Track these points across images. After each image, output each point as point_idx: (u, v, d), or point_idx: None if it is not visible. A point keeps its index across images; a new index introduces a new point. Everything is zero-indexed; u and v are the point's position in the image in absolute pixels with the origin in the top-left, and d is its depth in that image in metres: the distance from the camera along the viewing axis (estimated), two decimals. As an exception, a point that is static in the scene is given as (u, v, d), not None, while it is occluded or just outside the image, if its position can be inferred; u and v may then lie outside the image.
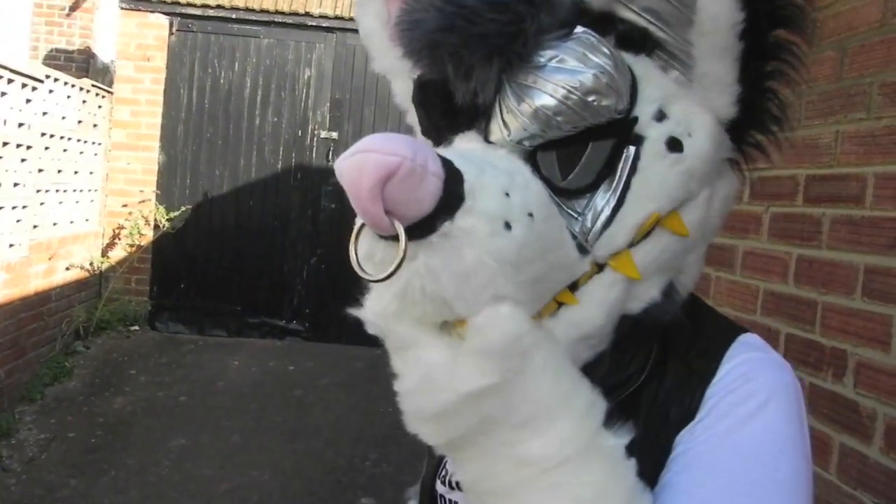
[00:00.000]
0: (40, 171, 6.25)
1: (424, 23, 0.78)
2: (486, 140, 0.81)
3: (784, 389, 0.83)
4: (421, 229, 0.66)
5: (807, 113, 2.40)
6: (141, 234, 8.04)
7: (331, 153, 8.20)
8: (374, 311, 0.74)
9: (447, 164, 0.67)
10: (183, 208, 8.11)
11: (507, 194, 0.71)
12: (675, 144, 0.81)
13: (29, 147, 5.94)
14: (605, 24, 0.82)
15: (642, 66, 0.82)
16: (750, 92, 0.84)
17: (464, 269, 0.68)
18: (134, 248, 8.03)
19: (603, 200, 0.80)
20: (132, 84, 8.15)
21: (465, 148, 0.81)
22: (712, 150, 0.84)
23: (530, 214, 0.72)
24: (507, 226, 0.69)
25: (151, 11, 8.12)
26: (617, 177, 0.80)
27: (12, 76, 5.61)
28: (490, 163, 0.73)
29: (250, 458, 5.22)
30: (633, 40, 0.83)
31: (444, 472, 1.02)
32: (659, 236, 0.82)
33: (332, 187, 8.21)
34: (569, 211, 0.80)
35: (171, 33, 8.18)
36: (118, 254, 8.02)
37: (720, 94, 0.83)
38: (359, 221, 0.69)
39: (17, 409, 5.75)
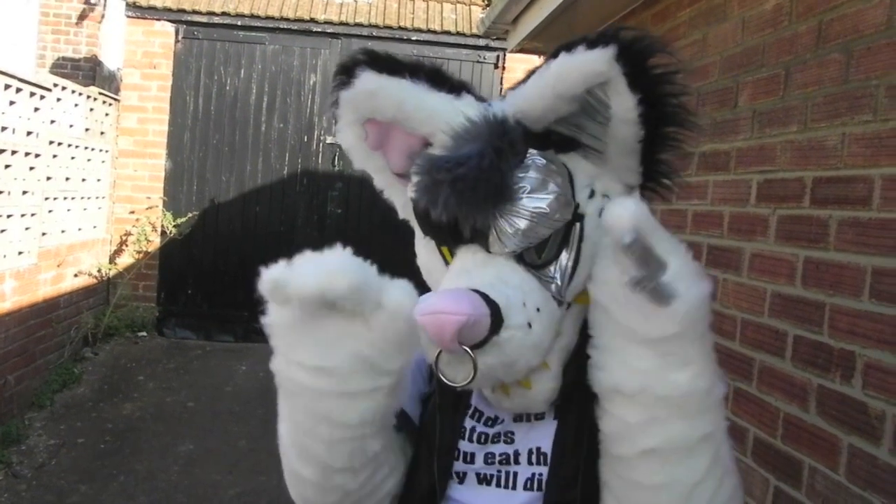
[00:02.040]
0: (48, 178, 6.28)
1: (441, 198, 1.05)
2: (487, 250, 1.12)
3: None
4: (478, 345, 1.03)
5: (813, 115, 2.40)
6: (148, 241, 8.07)
7: (336, 158, 8.22)
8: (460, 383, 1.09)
9: (487, 299, 1.03)
10: (190, 214, 8.13)
11: (525, 304, 1.08)
12: (601, 213, 1.09)
13: (37, 155, 5.96)
14: (544, 138, 1.12)
15: (573, 161, 1.14)
16: (647, 166, 1.14)
17: (509, 359, 1.06)
18: (141, 255, 8.06)
19: (565, 263, 1.12)
20: (139, 91, 8.19)
21: (473, 261, 1.14)
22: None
23: (538, 310, 1.09)
24: (529, 325, 1.07)
25: (157, 19, 8.16)
26: (570, 245, 1.13)
27: (20, 85, 5.64)
28: (507, 283, 1.09)
29: (258, 463, 5.23)
30: (565, 143, 1.12)
31: (464, 431, 1.27)
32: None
33: (338, 192, 8.23)
34: (545, 279, 1.12)
35: (176, 41, 8.21)
36: (126, 260, 8.05)
37: (628, 174, 1.15)
38: (434, 349, 1.07)
39: (27, 416, 5.77)
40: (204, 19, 8.17)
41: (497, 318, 1.03)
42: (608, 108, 1.06)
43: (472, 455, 1.25)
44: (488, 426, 1.26)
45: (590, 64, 1.02)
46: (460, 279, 1.10)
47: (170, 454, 5.36)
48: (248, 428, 5.82)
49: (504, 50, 5.56)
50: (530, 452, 1.23)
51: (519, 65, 8.05)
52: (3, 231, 5.45)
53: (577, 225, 1.12)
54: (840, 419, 2.18)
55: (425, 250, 1.24)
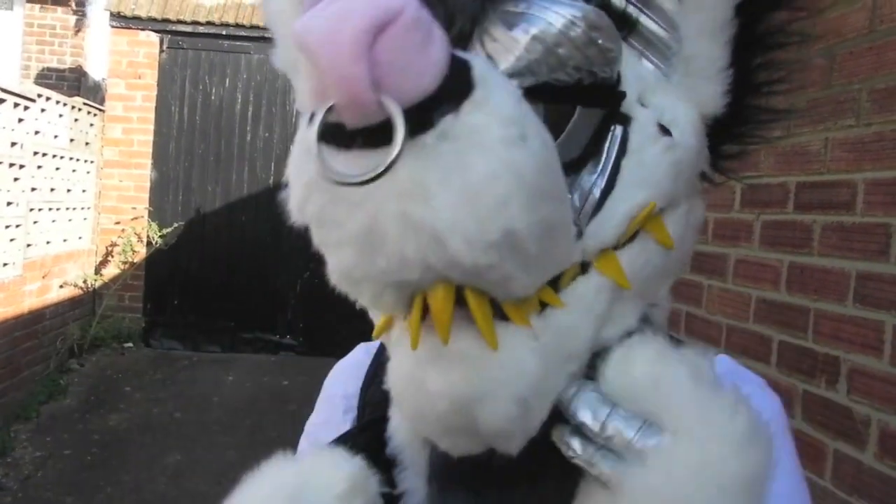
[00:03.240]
0: (33, 189, 6.25)
1: None
2: None
3: (780, 413, 0.83)
4: (413, 121, 0.47)
5: (795, 120, 2.41)
6: (134, 251, 8.03)
7: (323, 167, 8.21)
8: (333, 273, 0.60)
9: (451, 54, 0.51)
10: (175, 224, 8.11)
11: (520, 102, 0.55)
12: (664, 129, 0.68)
13: (22, 166, 5.93)
14: None
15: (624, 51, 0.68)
16: (738, 87, 0.72)
17: (470, 186, 0.50)
18: (127, 265, 8.02)
19: (590, 182, 0.64)
20: (124, 102, 8.16)
21: None
22: (698, 147, 0.71)
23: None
24: (523, 137, 0.52)
25: (142, 29, 8.14)
26: (604, 157, 0.65)
27: (4, 96, 5.62)
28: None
29: (246, 474, 5.20)
30: (616, 20, 0.66)
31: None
32: (644, 242, 0.68)
33: (325, 201, 8.21)
34: None
35: (161, 51, 8.19)
36: (111, 271, 8.01)
37: (708, 83, 0.71)
38: (318, 113, 0.50)
39: (13, 428, 5.73)
40: (189, 29, 8.16)
41: (462, 74, 0.51)
42: None
43: None
44: None
45: None
46: None
47: (157, 465, 5.33)
48: (235, 438, 5.79)
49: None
50: None
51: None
52: (-13, 242, 5.42)
53: (619, 128, 0.66)
54: (825, 424, 2.19)
55: None
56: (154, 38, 8.18)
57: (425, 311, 0.56)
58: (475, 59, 0.53)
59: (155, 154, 8.22)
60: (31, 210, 6.23)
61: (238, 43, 8.21)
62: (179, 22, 8.12)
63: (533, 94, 0.59)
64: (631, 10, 0.67)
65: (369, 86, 0.45)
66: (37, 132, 6.33)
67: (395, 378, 0.64)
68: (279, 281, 8.13)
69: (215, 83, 8.24)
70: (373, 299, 0.59)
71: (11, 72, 9.08)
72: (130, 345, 7.98)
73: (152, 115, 8.19)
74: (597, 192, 0.64)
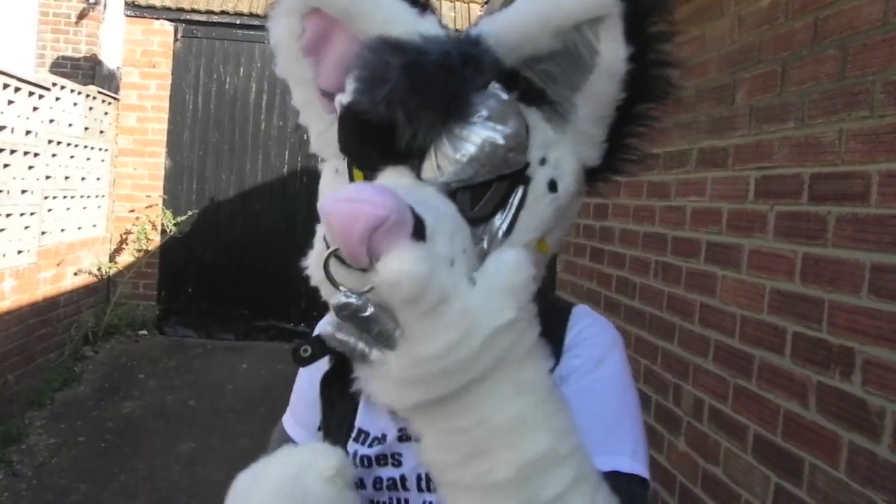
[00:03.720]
0: (48, 177, 6.28)
1: (390, 83, 0.87)
2: (418, 177, 0.94)
3: (618, 342, 1.09)
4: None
5: (810, 112, 2.40)
6: (148, 239, 8.07)
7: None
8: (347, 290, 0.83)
9: (414, 213, 0.79)
10: (190, 213, 8.14)
11: (453, 237, 0.85)
12: (553, 186, 0.99)
13: (36, 154, 5.96)
14: (511, 79, 0.96)
15: (533, 117, 0.98)
16: (611, 147, 1.02)
17: (416, 294, 0.78)
18: (141, 253, 8.06)
19: (497, 226, 0.96)
20: (138, 90, 8.19)
21: (401, 183, 0.91)
22: (576, 190, 1.03)
23: (464, 251, 0.86)
24: (452, 263, 0.81)
25: (156, 18, 8.15)
26: (507, 209, 0.97)
27: (19, 84, 5.64)
28: (439, 209, 0.87)
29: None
30: (530, 95, 0.98)
31: (358, 434, 1.12)
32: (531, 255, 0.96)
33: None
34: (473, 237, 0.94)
35: (175, 39, 8.21)
36: (126, 259, 8.05)
37: (589, 149, 1.01)
38: (318, 246, 0.94)
39: (27, 415, 5.77)
40: (203, 18, 8.17)
41: (419, 235, 0.78)
42: (595, 55, 0.93)
43: (361, 481, 1.08)
44: (370, 447, 1.09)
45: None
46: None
47: (171, 453, 5.36)
48: (249, 426, 5.81)
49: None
50: (419, 478, 1.06)
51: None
52: (2, 230, 5.45)
53: (521, 188, 0.97)
54: (840, 416, 2.18)
55: (333, 186, 1.07)
56: (168, 26, 8.20)
57: None
58: (428, 217, 0.81)
59: (169, 142, 8.25)
60: (46, 198, 6.27)
61: (252, 32, 8.21)
62: (194, 11, 8.14)
63: (464, 186, 0.93)
64: (547, 89, 0.98)
65: (365, 255, 0.75)
66: (51, 121, 6.35)
67: None
68: (293, 269, 8.05)
69: (229, 72, 8.25)
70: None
71: (26, 60, 9.12)
72: (144, 332, 8.02)
73: (167, 104, 8.22)
74: (500, 235, 0.96)
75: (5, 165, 5.47)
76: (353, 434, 1.12)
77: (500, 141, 0.92)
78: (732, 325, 2.76)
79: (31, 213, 5.94)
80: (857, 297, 2.13)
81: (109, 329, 7.64)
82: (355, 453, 1.09)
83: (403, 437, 1.07)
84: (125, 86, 8.23)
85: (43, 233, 6.21)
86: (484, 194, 0.95)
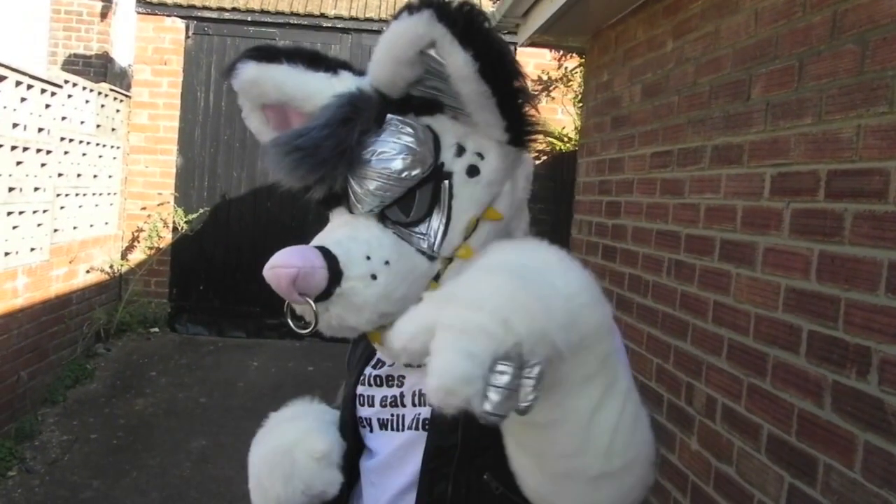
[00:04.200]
0: (60, 175, 6.30)
1: (293, 161, 1.15)
2: (351, 212, 1.22)
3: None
4: (323, 296, 1.12)
5: (827, 107, 2.37)
6: (160, 237, 8.08)
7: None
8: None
9: (326, 253, 1.12)
10: (201, 210, 8.15)
11: (369, 257, 1.15)
12: (473, 170, 1.22)
13: (48, 152, 5.98)
14: (405, 102, 1.21)
15: (439, 122, 1.22)
16: (512, 120, 1.19)
17: (356, 308, 1.14)
18: (153, 251, 8.07)
19: (437, 221, 1.20)
20: (149, 88, 8.20)
21: (338, 222, 1.24)
22: (501, 164, 1.24)
23: (387, 262, 1.16)
24: (374, 277, 1.14)
25: (168, 15, 8.16)
26: (441, 202, 1.20)
27: (32, 82, 5.65)
28: (355, 238, 1.17)
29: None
30: (429, 106, 1.21)
31: (363, 377, 1.41)
32: (483, 226, 1.24)
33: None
34: (417, 235, 1.20)
35: (187, 37, 8.22)
36: (137, 256, 8.07)
37: (495, 131, 1.20)
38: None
39: (40, 412, 5.79)
40: (214, 15, 8.18)
41: (335, 271, 1.11)
42: (446, 67, 1.11)
43: (372, 398, 1.37)
44: (380, 369, 1.37)
45: (412, 27, 1.09)
46: (318, 238, 1.20)
47: (182, 450, 5.37)
48: (260, 423, 5.78)
49: (515, 44, 5.52)
50: (414, 394, 1.31)
51: (530, 59, 8.00)
52: (15, 227, 5.46)
53: (446, 182, 1.21)
54: (856, 416, 2.16)
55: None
56: (180, 24, 8.21)
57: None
58: (340, 251, 1.14)
59: (181, 140, 8.26)
60: (58, 195, 6.28)
61: (263, 29, 8.22)
62: (205, 8, 8.14)
63: (388, 205, 1.20)
64: (439, 97, 1.20)
65: (299, 298, 1.10)
66: (63, 118, 6.37)
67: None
68: (303, 267, 8.12)
69: (240, 69, 8.24)
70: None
71: (38, 58, 9.15)
72: (156, 330, 8.04)
73: (178, 101, 8.23)
74: (442, 226, 1.20)
75: (18, 163, 5.48)
76: (373, 362, 1.40)
77: (392, 169, 1.17)
78: (746, 324, 2.74)
79: (44, 211, 5.95)
80: (874, 296, 2.11)
81: (121, 326, 7.66)
82: (369, 374, 1.39)
83: (407, 363, 1.32)
84: (137, 83, 8.24)
85: (55, 230, 6.22)
86: (412, 202, 1.20)
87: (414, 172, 1.18)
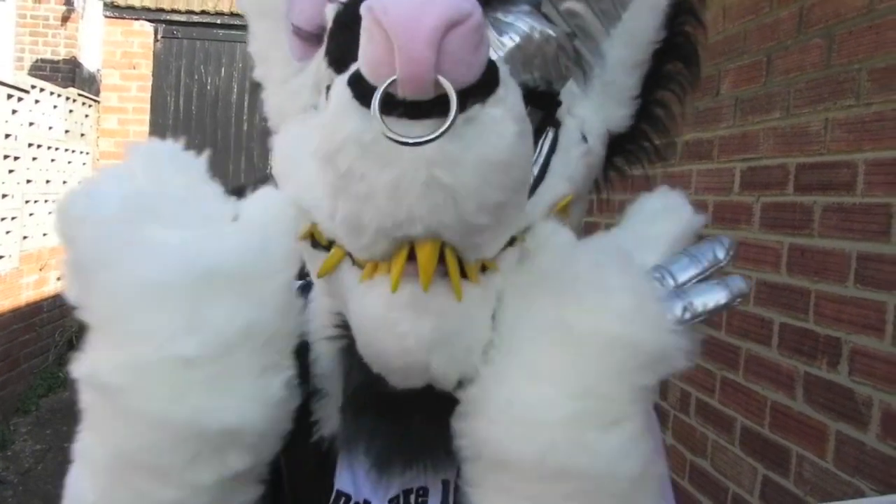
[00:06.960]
0: (28, 181, 6.23)
1: None
2: None
3: None
4: (446, 105, 0.56)
5: (795, 101, 2.40)
6: (131, 243, 8.01)
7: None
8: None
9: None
10: (173, 215, 8.08)
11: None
12: (584, 137, 0.83)
13: (16, 158, 5.91)
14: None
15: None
16: (638, 115, 0.89)
17: (486, 163, 0.60)
18: (125, 257, 8.00)
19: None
20: (119, 92, 8.13)
21: None
22: (602, 155, 0.88)
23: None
24: (524, 133, 0.64)
25: (136, 19, 8.09)
26: (537, 152, 0.78)
27: (-2, 87, 5.59)
28: None
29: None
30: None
31: (337, 498, 0.87)
32: (575, 210, 0.87)
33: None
34: None
35: (156, 40, 8.15)
36: (109, 263, 7.99)
37: (619, 106, 0.87)
38: (379, 85, 0.57)
39: (12, 421, 5.72)
40: (183, 18, 8.12)
41: (494, 72, 0.61)
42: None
43: None
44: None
45: None
46: None
47: (157, 456, 5.33)
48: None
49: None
50: None
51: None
52: (-17, 235, 5.40)
53: (552, 130, 0.80)
54: (827, 406, 2.18)
55: (308, 136, 0.79)
56: (148, 27, 8.14)
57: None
58: (501, 62, 0.64)
59: (151, 145, 8.19)
60: (27, 202, 6.21)
61: (233, 32, 8.17)
62: (174, 11, 8.08)
63: None
64: (572, 25, 0.82)
65: (433, 68, 0.54)
66: (31, 124, 6.30)
67: (363, 318, 0.70)
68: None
69: (211, 72, 8.20)
70: (366, 245, 0.66)
71: (5, 63, 9.04)
72: (129, 336, 7.97)
73: (147, 106, 8.16)
74: (531, 181, 0.74)
75: (-15, 169, 5.42)
76: (332, 497, 0.86)
77: (552, 33, 0.76)
78: (719, 318, 2.76)
79: (13, 218, 5.88)
80: (844, 287, 2.13)
81: (94, 333, 7.59)
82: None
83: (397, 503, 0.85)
84: (105, 88, 8.17)
85: (24, 237, 6.15)
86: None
87: (569, 63, 0.81)
